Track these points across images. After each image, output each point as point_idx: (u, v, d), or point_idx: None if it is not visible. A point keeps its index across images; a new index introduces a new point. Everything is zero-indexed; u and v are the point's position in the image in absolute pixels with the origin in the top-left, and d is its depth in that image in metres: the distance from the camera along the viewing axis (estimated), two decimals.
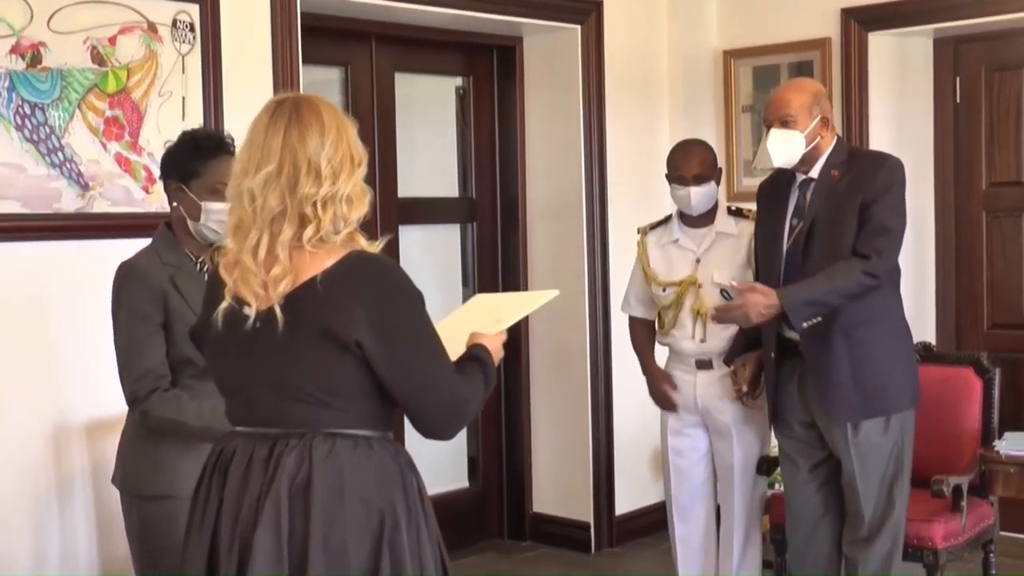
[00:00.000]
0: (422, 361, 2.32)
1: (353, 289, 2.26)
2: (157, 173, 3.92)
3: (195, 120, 4.04)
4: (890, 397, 3.72)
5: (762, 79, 5.49)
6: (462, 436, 5.32)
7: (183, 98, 4.06)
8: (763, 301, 3.62)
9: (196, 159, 3.02)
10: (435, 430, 2.39)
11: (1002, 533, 4.41)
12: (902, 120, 5.44)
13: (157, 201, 3.93)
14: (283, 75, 4.33)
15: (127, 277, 2.98)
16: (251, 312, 2.30)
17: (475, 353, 2.46)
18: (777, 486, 4.26)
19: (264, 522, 2.26)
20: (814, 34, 5.39)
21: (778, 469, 4.12)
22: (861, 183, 3.67)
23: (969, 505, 4.01)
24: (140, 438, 3.00)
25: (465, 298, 5.53)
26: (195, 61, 4.10)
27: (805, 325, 3.62)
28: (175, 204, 3.04)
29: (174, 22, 4.05)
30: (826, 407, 3.74)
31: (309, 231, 2.26)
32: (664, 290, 4.18)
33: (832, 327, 3.66)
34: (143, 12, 3.98)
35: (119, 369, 2.96)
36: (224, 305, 2.33)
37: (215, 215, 2.97)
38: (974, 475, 4.03)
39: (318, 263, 2.28)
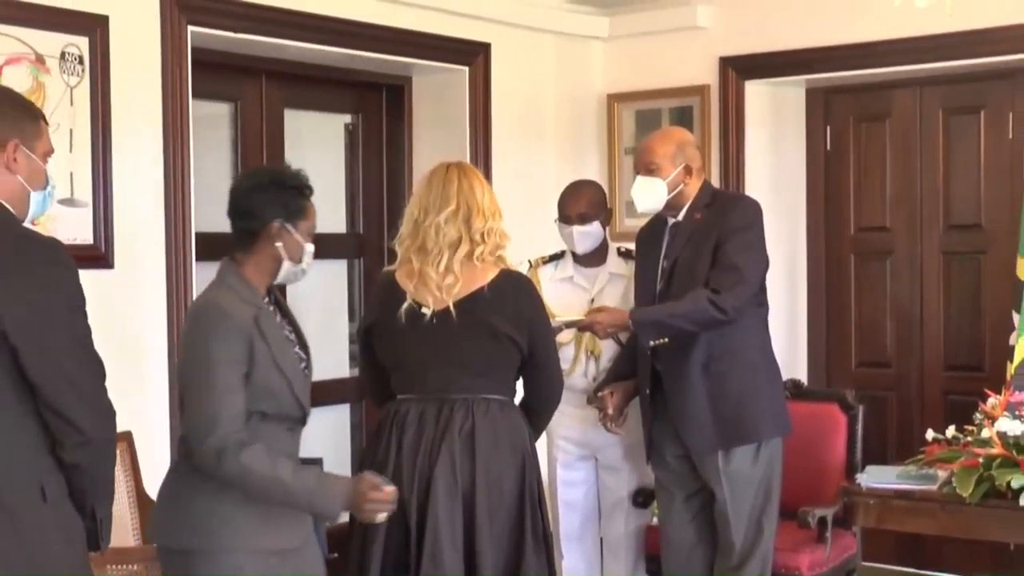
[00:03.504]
0: (550, 347, 3.40)
1: (509, 298, 3.27)
2: None
3: (83, 152, 4.04)
4: (748, 427, 3.84)
5: (645, 122, 5.65)
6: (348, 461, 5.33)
7: (71, 130, 4.04)
8: (608, 320, 3.86)
9: (303, 200, 2.97)
10: (550, 398, 3.46)
11: (864, 563, 4.59)
12: (777, 165, 5.64)
13: (45, 233, 3.91)
14: (173, 109, 4.32)
15: (215, 319, 2.80)
16: (428, 311, 3.26)
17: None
18: (654, 518, 4.37)
19: (442, 460, 3.20)
20: (694, 81, 5.59)
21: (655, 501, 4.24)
22: (717, 224, 3.82)
23: (833, 535, 4.18)
24: (198, 490, 2.82)
25: (351, 333, 5.58)
26: (84, 93, 4.08)
27: (652, 343, 3.78)
28: (279, 244, 2.91)
29: (63, 54, 4.04)
30: (687, 438, 3.86)
31: (478, 251, 3.26)
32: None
33: (691, 362, 3.80)
34: (31, 43, 3.97)
35: (199, 413, 2.76)
36: (405, 305, 3.27)
37: (308, 257, 2.99)
38: (838, 507, 4.18)
39: (482, 276, 3.27)
